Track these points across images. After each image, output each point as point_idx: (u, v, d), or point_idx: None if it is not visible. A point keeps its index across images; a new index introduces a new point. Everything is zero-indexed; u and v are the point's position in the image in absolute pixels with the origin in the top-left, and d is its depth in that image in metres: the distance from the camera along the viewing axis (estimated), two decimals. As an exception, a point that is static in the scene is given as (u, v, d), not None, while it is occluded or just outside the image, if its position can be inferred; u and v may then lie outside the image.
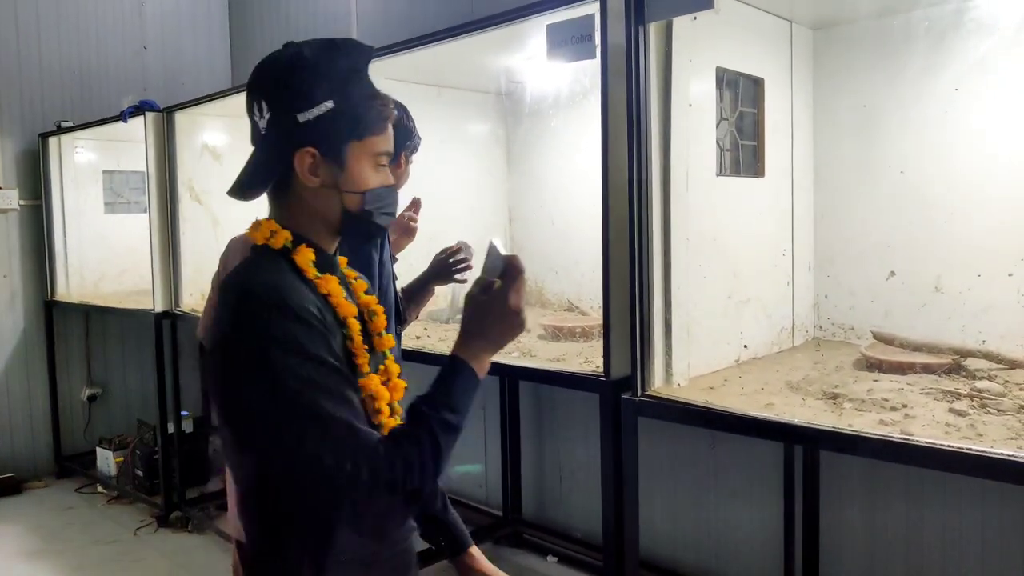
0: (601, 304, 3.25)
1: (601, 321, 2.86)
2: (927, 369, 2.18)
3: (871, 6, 2.42)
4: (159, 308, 4.04)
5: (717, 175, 2.22)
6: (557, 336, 2.73)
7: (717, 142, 2.22)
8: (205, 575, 3.52)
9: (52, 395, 4.88)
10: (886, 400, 1.92)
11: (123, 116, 4.17)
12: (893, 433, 1.66)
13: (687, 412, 1.91)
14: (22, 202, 4.82)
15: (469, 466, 3.63)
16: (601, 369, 2.19)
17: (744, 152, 2.38)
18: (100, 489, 4.56)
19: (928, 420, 1.76)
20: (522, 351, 2.63)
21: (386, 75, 3.26)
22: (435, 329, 3.04)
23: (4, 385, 4.79)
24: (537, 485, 3.81)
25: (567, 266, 3.51)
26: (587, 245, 3.36)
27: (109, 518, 4.18)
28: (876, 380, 2.12)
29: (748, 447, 2.91)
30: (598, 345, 2.64)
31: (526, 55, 2.90)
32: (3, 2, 4.68)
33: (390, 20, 4.22)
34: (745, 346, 2.35)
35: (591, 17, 2.19)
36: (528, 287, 3.72)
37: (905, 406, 1.87)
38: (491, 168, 3.73)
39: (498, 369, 2.83)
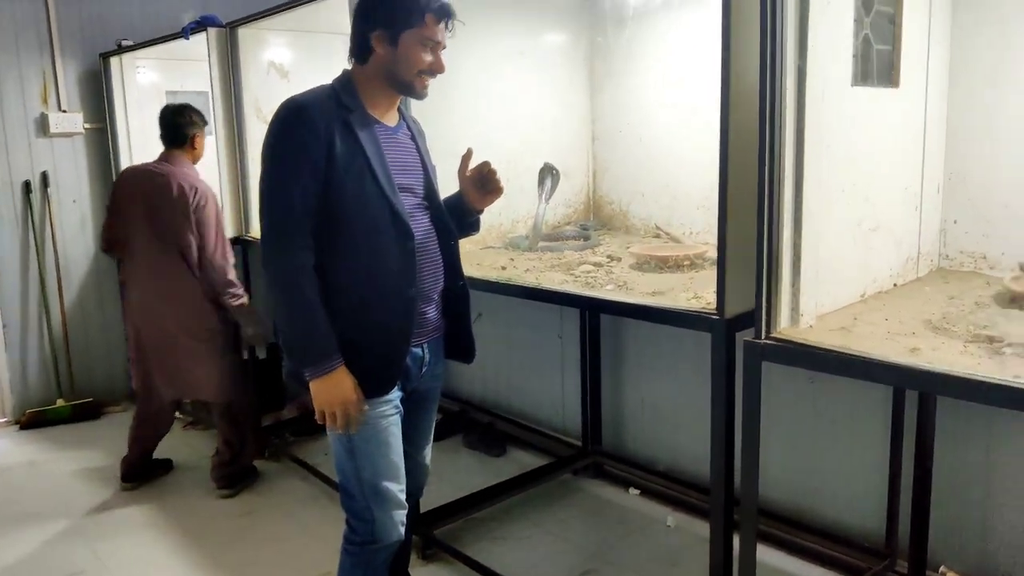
0: (701, 231, 3.05)
1: (704, 250, 2.66)
2: (1087, 306, 1.93)
3: None
4: (229, 234, 3.92)
5: (852, 84, 1.95)
6: (660, 267, 2.52)
7: (854, 45, 1.93)
8: (280, 501, 3.53)
9: (128, 319, 4.91)
10: (1052, 344, 1.68)
11: (184, 32, 3.99)
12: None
13: (826, 359, 1.68)
14: (87, 125, 4.74)
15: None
16: (713, 305, 1.98)
17: (879, 57, 2.08)
18: (177, 415, 4.60)
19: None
20: (616, 282, 2.43)
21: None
22: (520, 259, 2.86)
23: (79, 309, 4.83)
24: (617, 416, 3.68)
25: (656, 189, 3.26)
26: (680, 166, 3.12)
27: (186, 443, 4.22)
28: (1031, 318, 1.87)
29: (851, 382, 2.70)
30: (702, 276, 2.44)
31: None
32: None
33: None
34: (895, 284, 2.14)
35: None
36: (612, 211, 3.49)
37: (1078, 351, 1.63)
38: (574, 82, 3.45)
39: (591, 304, 2.65)
